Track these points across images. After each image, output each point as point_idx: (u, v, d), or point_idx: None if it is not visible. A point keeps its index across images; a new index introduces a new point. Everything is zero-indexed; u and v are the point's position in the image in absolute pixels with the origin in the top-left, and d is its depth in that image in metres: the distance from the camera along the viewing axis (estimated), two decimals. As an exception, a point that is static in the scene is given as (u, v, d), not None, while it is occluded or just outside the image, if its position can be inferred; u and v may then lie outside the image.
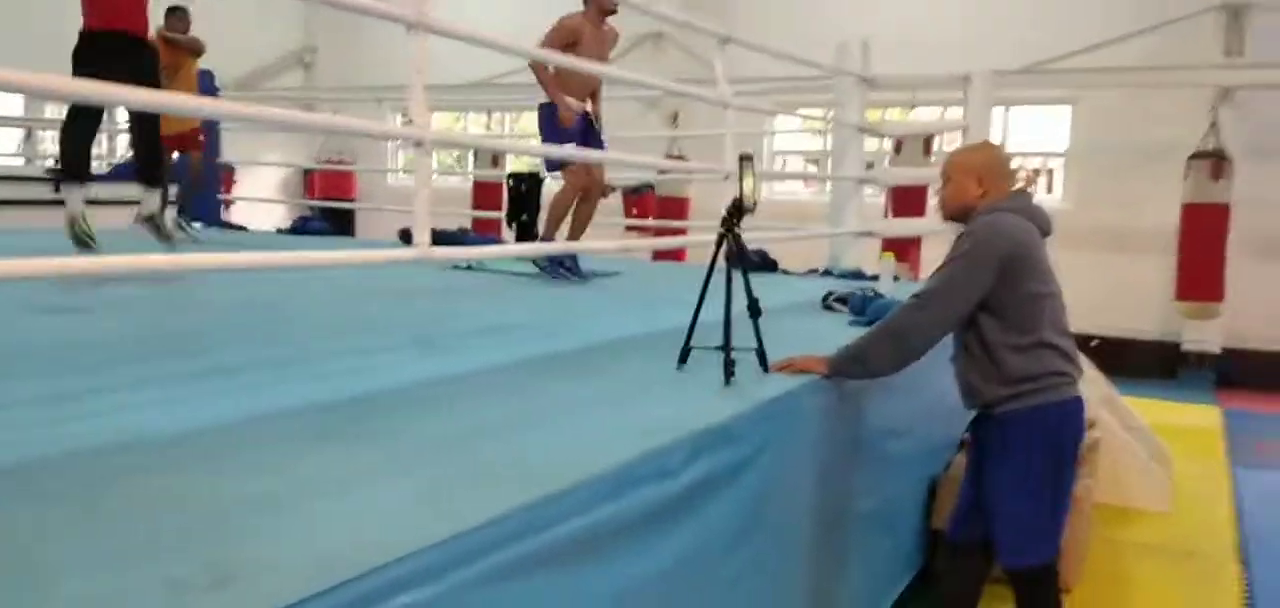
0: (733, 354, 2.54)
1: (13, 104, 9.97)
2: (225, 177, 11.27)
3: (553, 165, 5.24)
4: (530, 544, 1.49)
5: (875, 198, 8.44)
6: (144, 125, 4.72)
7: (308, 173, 13.39)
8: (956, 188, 2.91)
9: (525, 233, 6.34)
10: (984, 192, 2.84)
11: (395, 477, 1.65)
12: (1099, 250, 9.46)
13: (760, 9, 10.82)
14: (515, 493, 1.53)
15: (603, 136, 5.47)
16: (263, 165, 12.46)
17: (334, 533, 1.37)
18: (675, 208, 9.59)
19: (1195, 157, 8.75)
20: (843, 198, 5.87)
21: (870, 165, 8.94)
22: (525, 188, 6.26)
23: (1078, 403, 2.85)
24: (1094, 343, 9.67)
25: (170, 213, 7.01)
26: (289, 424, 1.98)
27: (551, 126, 5.15)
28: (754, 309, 2.67)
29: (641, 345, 3.12)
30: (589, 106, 5.30)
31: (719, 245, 2.65)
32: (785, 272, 6.46)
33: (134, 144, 4.93)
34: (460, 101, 13.25)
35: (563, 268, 5.41)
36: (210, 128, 8.49)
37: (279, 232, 9.03)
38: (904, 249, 7.63)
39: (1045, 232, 2.87)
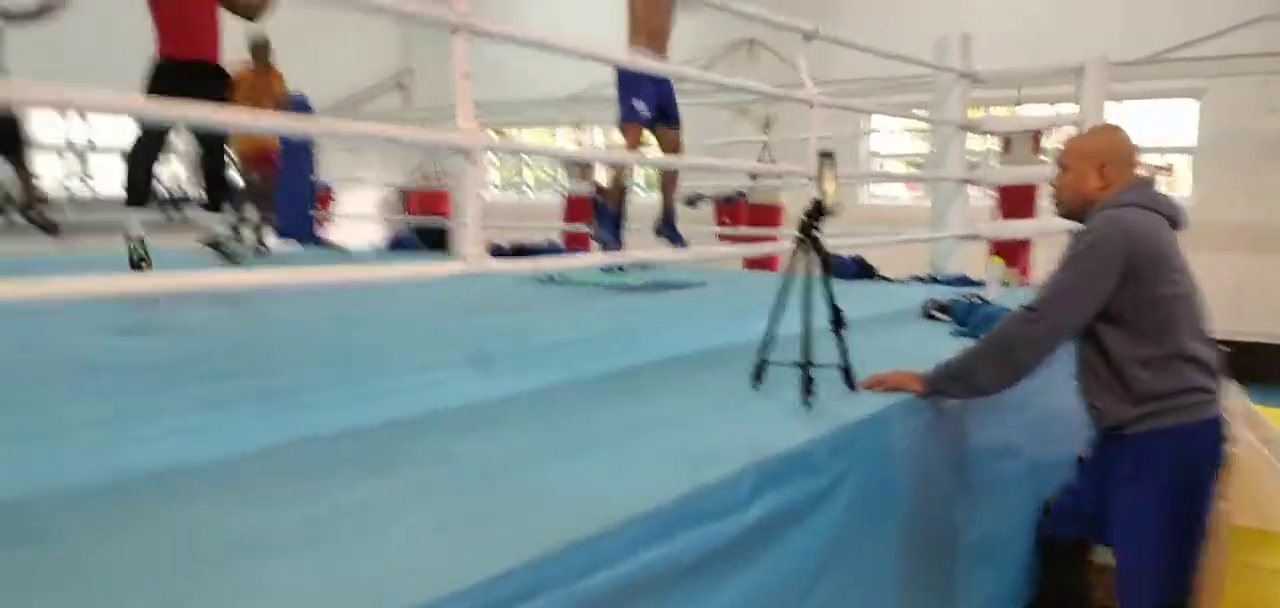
0: (814, 371, 2.29)
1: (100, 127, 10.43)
2: (322, 196, 11.51)
3: (628, 116, 5.10)
4: (559, 598, 1.29)
5: (982, 200, 7.99)
6: (211, 152, 4.74)
7: (406, 192, 13.58)
8: (1074, 177, 2.59)
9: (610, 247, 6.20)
10: (1105, 182, 2.52)
11: (414, 512, 1.48)
12: (1230, 250, 8.75)
13: (857, 8, 10.46)
14: (544, 535, 1.33)
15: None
16: (361, 184, 12.67)
17: (326, 580, 1.20)
18: (768, 216, 9.27)
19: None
20: (945, 199, 5.51)
21: (975, 166, 8.51)
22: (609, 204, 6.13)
23: (1217, 422, 2.50)
24: (1226, 349, 8.99)
25: (246, 232, 7.19)
26: (319, 451, 1.84)
27: (626, 79, 5.05)
28: (837, 321, 2.42)
29: (717, 361, 2.89)
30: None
31: (796, 251, 2.41)
32: (884, 279, 6.13)
33: (201, 169, 4.96)
34: (550, 116, 13.24)
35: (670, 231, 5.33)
36: (304, 148, 8.64)
37: (373, 249, 9.13)
38: (1013, 253, 7.18)
39: (1177, 224, 2.53)
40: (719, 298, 5.05)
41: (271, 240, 8.73)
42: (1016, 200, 7.14)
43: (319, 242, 9.21)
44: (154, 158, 4.65)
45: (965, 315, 3.86)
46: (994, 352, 2.49)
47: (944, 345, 3.47)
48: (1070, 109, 5.46)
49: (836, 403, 2.30)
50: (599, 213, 5.45)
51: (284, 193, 8.65)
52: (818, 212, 2.37)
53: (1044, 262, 6.46)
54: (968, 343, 3.51)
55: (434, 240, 11.25)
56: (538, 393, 2.42)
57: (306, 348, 3.20)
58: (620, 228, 5.54)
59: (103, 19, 6.18)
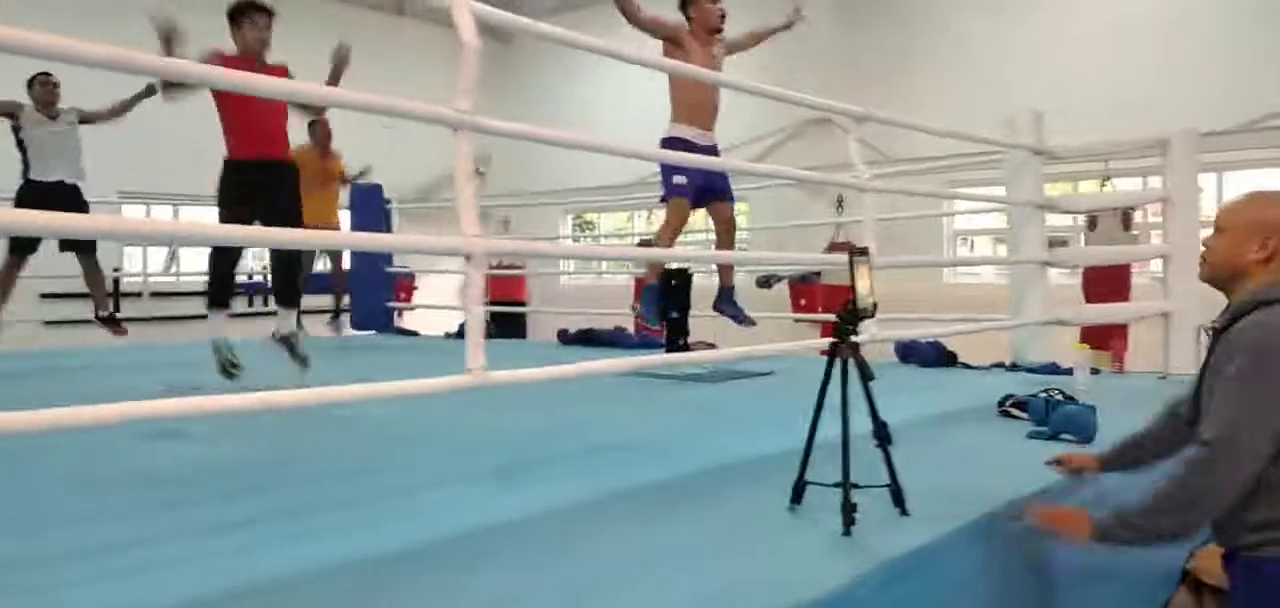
0: (862, 493, 2.05)
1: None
2: (402, 284, 11.65)
3: (669, 192, 4.95)
4: None
5: (1071, 280, 7.58)
6: (282, 252, 4.77)
7: (489, 277, 13.64)
8: (1231, 244, 2.21)
9: (676, 330, 6.04)
10: (1268, 256, 2.15)
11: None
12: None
13: (932, 81, 10.22)
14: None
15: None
16: (438, 273, 12.80)
17: None
18: (843, 297, 8.99)
19: None
20: (1023, 283, 5.16)
21: (1064, 243, 8.09)
22: (674, 282, 5.96)
23: None
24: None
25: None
26: (321, 588, 1.70)
27: (671, 165, 4.91)
28: (881, 435, 2.17)
29: (760, 473, 2.65)
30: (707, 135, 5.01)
31: (832, 358, 2.18)
32: (965, 365, 5.79)
33: (272, 265, 4.97)
34: (617, 201, 13.22)
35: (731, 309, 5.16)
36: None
37: (446, 336, 9.12)
38: (1105, 337, 6.74)
39: None
40: (784, 390, 4.80)
41: (347, 330, 8.85)
42: (1106, 281, 6.71)
43: (395, 330, 9.27)
44: (233, 261, 4.77)
45: (1043, 414, 3.53)
46: (1175, 505, 2.10)
47: (1018, 449, 3.16)
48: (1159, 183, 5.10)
49: (884, 531, 2.05)
50: (644, 292, 5.29)
51: (358, 283, 8.75)
52: (853, 315, 2.14)
53: (1146, 346, 6.01)
54: (1047, 445, 3.21)
55: (509, 325, 11.28)
56: (554, 513, 2.23)
57: (335, 455, 3.08)
58: (664, 305, 5.36)
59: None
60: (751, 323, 5.19)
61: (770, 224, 10.03)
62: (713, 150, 5.12)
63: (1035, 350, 5.24)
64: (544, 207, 13.37)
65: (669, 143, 4.99)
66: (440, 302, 12.06)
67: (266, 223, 4.63)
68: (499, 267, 13.08)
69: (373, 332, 8.93)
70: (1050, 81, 9.42)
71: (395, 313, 9.58)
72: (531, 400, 4.02)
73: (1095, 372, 4.95)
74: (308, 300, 8.63)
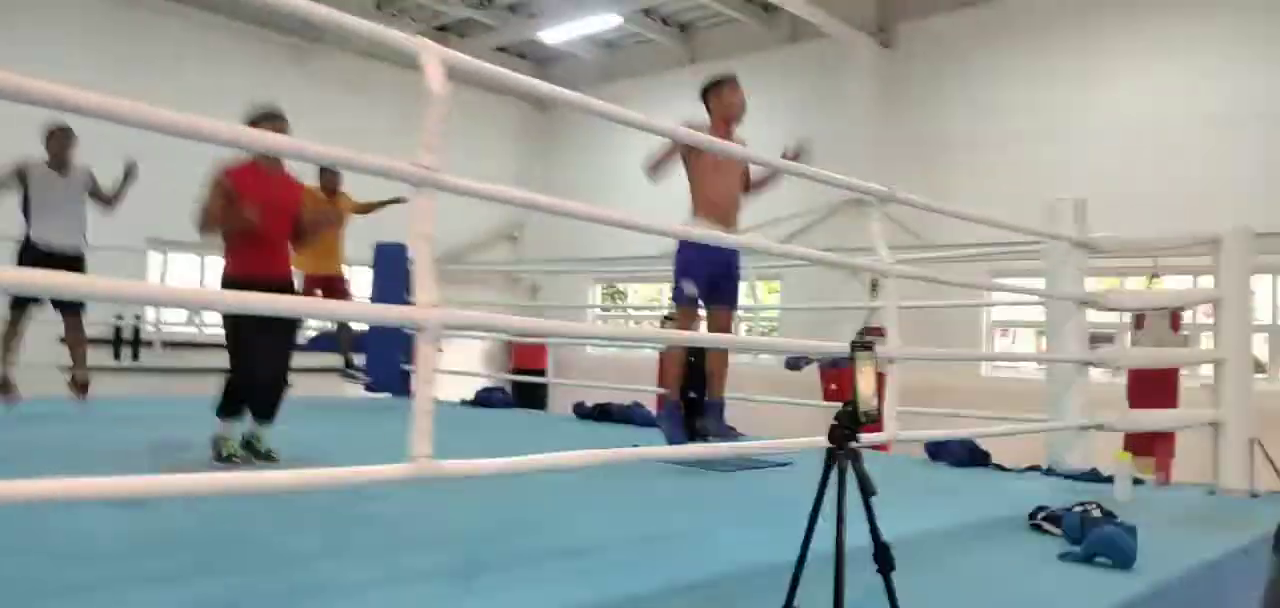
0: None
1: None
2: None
3: (677, 299, 4.86)
4: None
5: (1115, 380, 7.18)
6: (276, 364, 4.43)
7: (510, 344, 13.49)
8: None
9: (694, 411, 5.72)
10: None
11: None
12: None
13: (978, 169, 9.94)
14: None
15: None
16: (464, 336, 12.64)
17: None
18: (877, 384, 8.64)
19: None
20: (1061, 382, 4.82)
21: (1110, 340, 7.70)
22: (692, 359, 5.69)
23: None
24: None
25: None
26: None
27: (681, 258, 4.79)
28: (882, 559, 1.88)
29: (749, 588, 2.36)
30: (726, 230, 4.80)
31: (828, 469, 1.90)
32: (998, 467, 5.41)
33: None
34: (646, 272, 13.01)
35: (709, 433, 4.87)
36: (396, 298, 8.56)
37: (462, 403, 8.90)
38: (1149, 443, 6.32)
39: None
40: (798, 485, 4.44)
41: (361, 392, 8.65)
42: (1152, 384, 6.31)
43: (410, 393, 9.05)
44: (251, 383, 4.30)
45: (1078, 532, 3.19)
46: None
47: (1046, 575, 2.83)
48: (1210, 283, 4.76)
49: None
50: (664, 408, 5.05)
51: (373, 345, 8.59)
52: (852, 419, 1.87)
53: (1194, 456, 5.60)
54: (1076, 572, 2.87)
55: (530, 394, 11.04)
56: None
57: (282, 537, 2.82)
58: (685, 421, 5.07)
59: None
60: (737, 438, 4.91)
61: (801, 305, 9.76)
62: (731, 256, 4.89)
63: (1073, 455, 4.87)
64: (573, 274, 13.22)
65: (685, 249, 4.80)
66: (464, 366, 11.91)
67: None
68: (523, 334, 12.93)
69: (389, 394, 8.73)
70: (1097, 171, 9.11)
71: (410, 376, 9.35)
72: (510, 487, 3.74)
73: (1138, 482, 4.57)
74: (316, 358, 8.53)
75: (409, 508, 3.20)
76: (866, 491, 1.85)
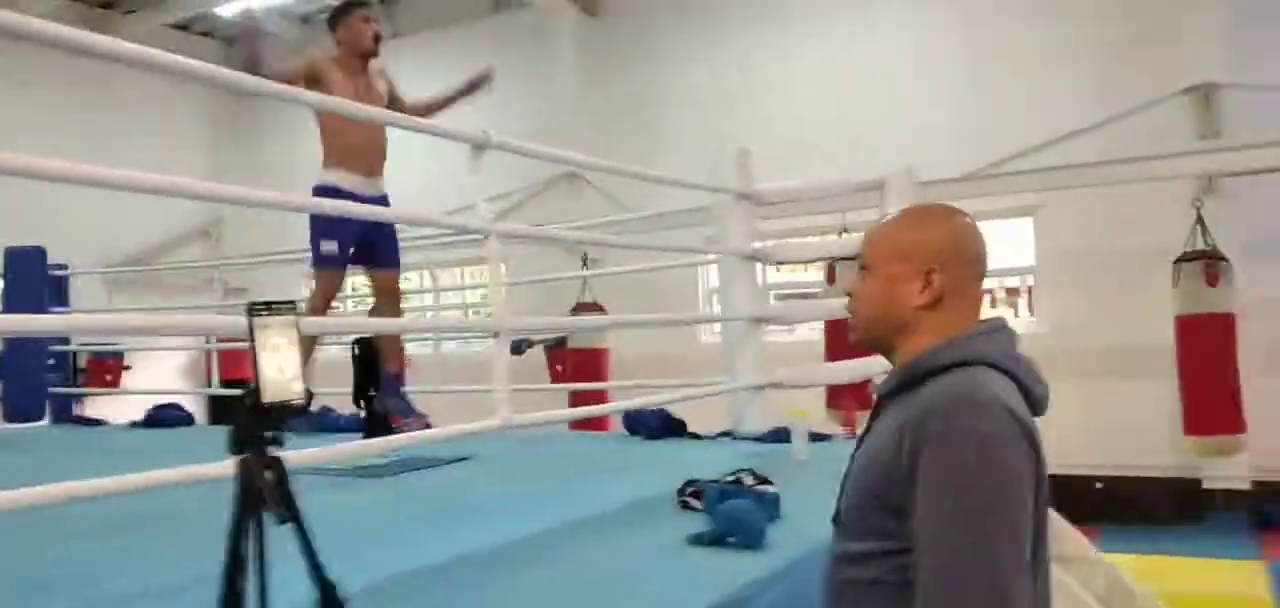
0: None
1: None
2: (105, 364, 10.09)
3: (317, 261, 4.28)
4: None
5: (814, 337, 7.19)
6: None
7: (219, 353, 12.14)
8: (883, 288, 1.49)
9: (372, 412, 5.02)
10: (934, 298, 1.45)
11: None
12: (1089, 378, 8.10)
13: (686, 133, 9.81)
14: None
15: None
16: (158, 351, 11.25)
17: None
18: (589, 363, 8.29)
19: (1183, 259, 7.46)
20: (734, 342, 4.58)
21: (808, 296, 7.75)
22: (357, 351, 5.01)
23: None
24: (1098, 485, 8.24)
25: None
26: None
27: (316, 216, 4.20)
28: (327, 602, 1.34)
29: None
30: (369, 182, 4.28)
31: (244, 487, 1.34)
32: (694, 436, 5.13)
33: None
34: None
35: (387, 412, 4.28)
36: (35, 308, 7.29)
37: (132, 425, 7.71)
38: (846, 397, 6.33)
39: (1038, 409, 1.44)
40: (474, 480, 3.96)
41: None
42: (844, 337, 6.30)
43: (74, 420, 7.77)
44: None
45: (713, 505, 2.84)
46: None
47: (660, 565, 2.45)
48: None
49: None
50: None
51: (10, 365, 7.29)
52: (256, 410, 1.32)
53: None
54: (693, 555, 2.50)
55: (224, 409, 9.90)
56: None
57: None
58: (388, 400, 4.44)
59: None
60: (423, 421, 4.34)
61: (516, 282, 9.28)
62: (379, 201, 4.34)
63: (752, 417, 4.64)
64: (284, 267, 12.04)
65: (321, 193, 4.18)
66: (161, 383, 10.54)
67: None
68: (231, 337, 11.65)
69: (41, 422, 7.42)
70: (799, 127, 9.22)
71: (74, 400, 8.05)
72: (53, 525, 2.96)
73: (815, 437, 4.37)
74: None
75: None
76: (284, 511, 1.30)
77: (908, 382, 1.43)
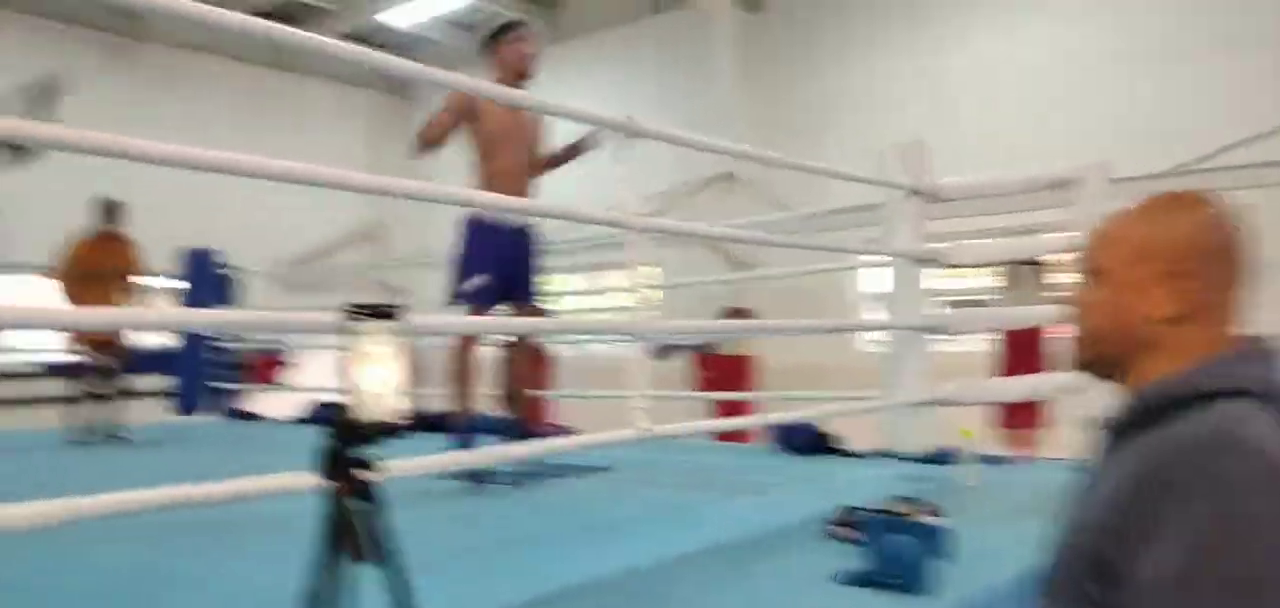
0: None
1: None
2: (266, 361, 10.51)
3: (460, 298, 4.01)
4: None
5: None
6: None
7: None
8: (1117, 298, 1.19)
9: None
10: (1182, 310, 1.15)
11: None
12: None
13: (854, 133, 9.37)
14: None
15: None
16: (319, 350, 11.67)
17: None
18: (732, 371, 7.96)
19: None
20: (898, 353, 4.22)
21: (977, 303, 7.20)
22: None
23: None
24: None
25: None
26: None
27: (468, 246, 3.99)
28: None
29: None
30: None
31: (336, 509, 1.17)
32: (847, 453, 4.79)
33: None
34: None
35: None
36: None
37: (299, 421, 7.96)
38: (1020, 417, 5.80)
39: None
40: (607, 493, 3.78)
41: (174, 416, 7.70)
42: (1023, 349, 5.77)
43: (233, 414, 8.11)
44: None
45: (877, 537, 2.54)
46: None
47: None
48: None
49: None
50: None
51: (185, 363, 7.69)
52: (351, 432, 1.14)
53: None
54: (842, 599, 2.20)
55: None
56: None
57: None
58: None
59: None
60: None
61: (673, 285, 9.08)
62: (525, 233, 4.13)
63: (911, 434, 4.26)
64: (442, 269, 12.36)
65: (471, 230, 4.01)
66: (320, 382, 10.91)
67: None
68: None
69: (207, 416, 7.79)
70: (976, 128, 8.68)
71: (233, 395, 8.37)
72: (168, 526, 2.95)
73: (982, 461, 3.95)
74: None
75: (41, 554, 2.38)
76: (366, 548, 1.12)
77: (1145, 414, 1.12)
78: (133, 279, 6.27)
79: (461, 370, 4.16)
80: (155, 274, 6.80)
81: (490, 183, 4.00)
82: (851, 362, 8.38)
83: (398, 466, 2.25)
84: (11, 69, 9.72)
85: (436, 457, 2.86)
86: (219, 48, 11.34)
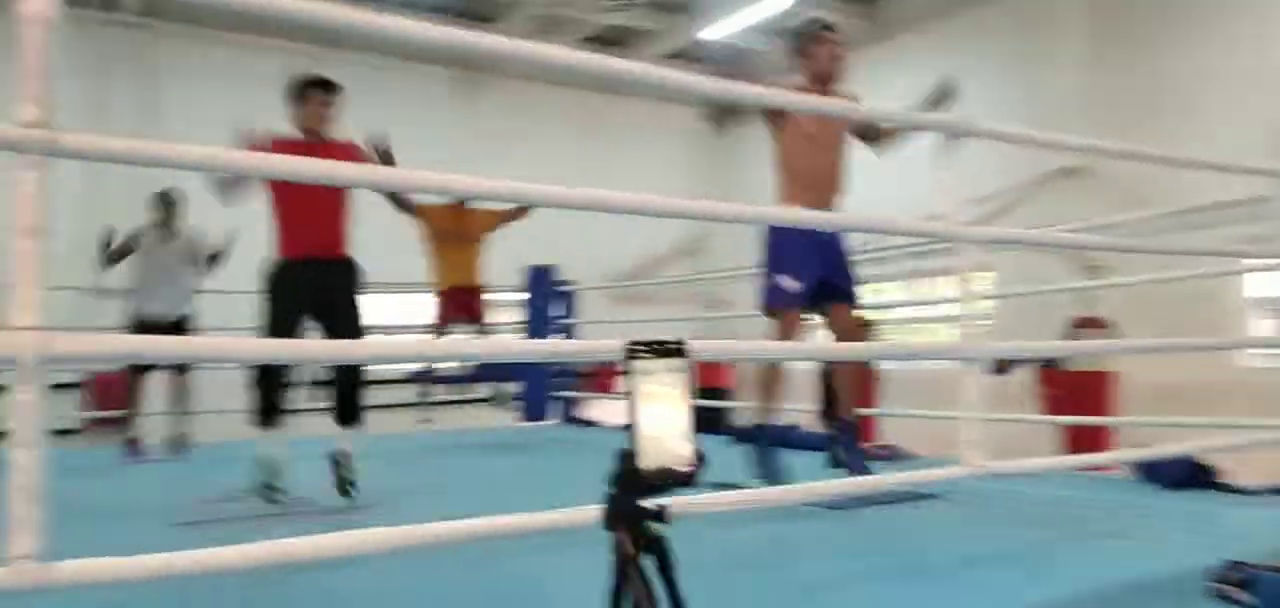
0: None
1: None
2: (603, 370, 11.03)
3: (771, 301, 3.98)
4: None
5: None
6: (342, 368, 4.11)
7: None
8: None
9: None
10: None
11: None
12: None
13: (1222, 117, 8.13)
14: None
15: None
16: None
17: None
18: (1090, 388, 7.11)
19: None
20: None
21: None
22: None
23: None
24: None
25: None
26: None
27: (776, 246, 3.97)
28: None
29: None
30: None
31: (621, 563, 1.09)
32: (1229, 488, 4.11)
33: (334, 376, 4.22)
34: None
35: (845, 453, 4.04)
36: (543, 315, 8.17)
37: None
38: None
39: None
40: (934, 525, 3.50)
41: (520, 421, 8.29)
42: None
43: (572, 421, 8.63)
44: (277, 380, 4.07)
45: (1270, 601, 2.08)
46: None
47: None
48: None
49: None
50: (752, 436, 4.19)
51: (530, 372, 8.26)
52: (637, 481, 1.05)
53: None
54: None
55: (714, 416, 10.26)
56: None
57: None
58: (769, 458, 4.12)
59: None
60: (865, 472, 3.95)
61: (1008, 294, 8.37)
62: (834, 240, 4.02)
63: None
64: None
65: (776, 235, 3.99)
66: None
67: (326, 330, 4.11)
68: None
69: (549, 422, 8.33)
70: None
71: (573, 403, 8.90)
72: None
73: None
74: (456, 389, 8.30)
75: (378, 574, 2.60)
76: (673, 584, 1.03)
77: None
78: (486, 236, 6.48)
79: (768, 381, 4.08)
80: (502, 290, 7.37)
81: (793, 191, 3.96)
82: (1232, 379, 7.23)
83: (696, 501, 2.18)
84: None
85: (739, 493, 2.76)
86: (551, 77, 12.17)
